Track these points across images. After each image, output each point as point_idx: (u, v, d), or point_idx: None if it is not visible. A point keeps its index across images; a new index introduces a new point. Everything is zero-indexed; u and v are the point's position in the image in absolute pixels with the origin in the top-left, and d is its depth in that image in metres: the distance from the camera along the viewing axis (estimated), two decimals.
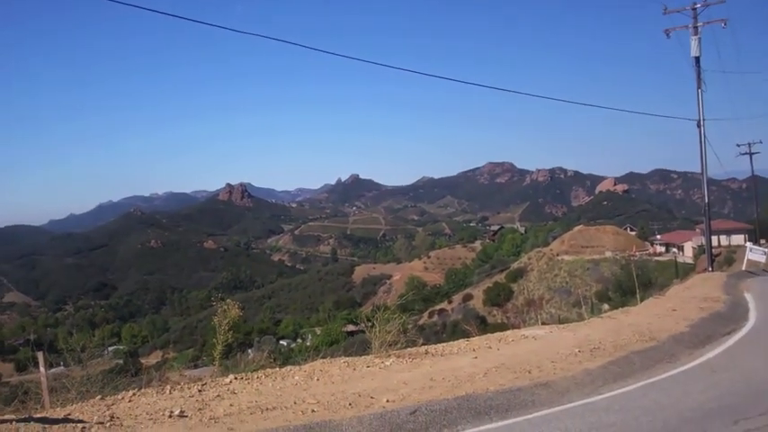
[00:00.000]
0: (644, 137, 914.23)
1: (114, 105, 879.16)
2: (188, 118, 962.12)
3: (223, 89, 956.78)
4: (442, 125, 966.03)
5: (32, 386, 11.17)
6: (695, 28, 32.44)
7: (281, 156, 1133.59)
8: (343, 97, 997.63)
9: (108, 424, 8.62)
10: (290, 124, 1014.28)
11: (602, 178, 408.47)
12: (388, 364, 12.63)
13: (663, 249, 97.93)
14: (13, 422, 8.11)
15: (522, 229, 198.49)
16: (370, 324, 14.76)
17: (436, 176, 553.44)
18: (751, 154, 67.36)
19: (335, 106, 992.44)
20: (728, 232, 78.43)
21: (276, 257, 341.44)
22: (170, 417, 9.01)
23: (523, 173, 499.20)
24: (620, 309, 22.64)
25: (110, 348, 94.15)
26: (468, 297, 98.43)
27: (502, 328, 31.74)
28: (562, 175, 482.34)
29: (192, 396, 10.25)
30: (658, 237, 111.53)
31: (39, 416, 8.77)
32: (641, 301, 23.99)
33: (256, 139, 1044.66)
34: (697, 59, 32.97)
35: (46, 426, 8.12)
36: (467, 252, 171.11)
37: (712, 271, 33.84)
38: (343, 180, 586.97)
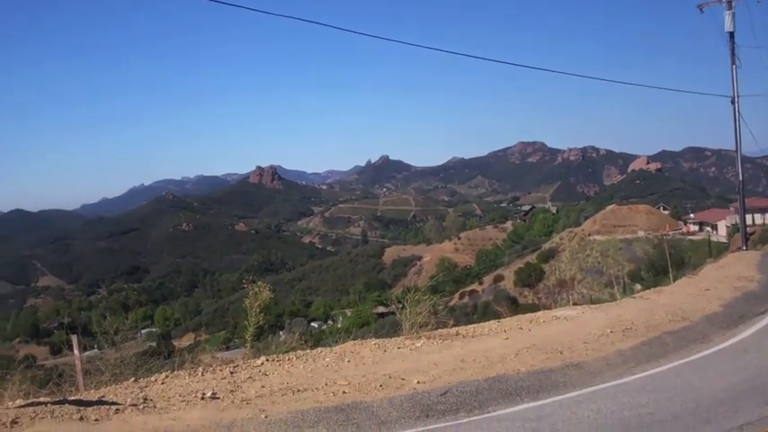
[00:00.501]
0: (677, 114, 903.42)
1: (145, 87, 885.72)
2: (218, 100, 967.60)
3: (253, 71, 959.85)
4: (472, 105, 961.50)
5: (67, 369, 11.37)
6: (729, 3, 31.77)
7: (312, 138, 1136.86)
8: (374, 79, 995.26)
9: (141, 406, 8.75)
10: (320, 106, 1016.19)
11: (634, 157, 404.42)
12: (418, 345, 12.67)
13: (696, 228, 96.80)
14: (48, 404, 8.26)
15: (553, 209, 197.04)
16: (400, 306, 14.78)
17: (467, 157, 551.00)
18: None
19: (366, 88, 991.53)
20: (763, 211, 77.06)
21: (307, 239, 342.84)
22: (202, 399, 9.12)
23: (555, 152, 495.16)
24: (653, 289, 22.44)
25: (143, 331, 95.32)
26: (499, 278, 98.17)
27: (533, 308, 31.64)
28: (594, 154, 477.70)
29: (224, 378, 10.37)
30: (691, 215, 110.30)
31: (73, 398, 8.92)
32: (674, 280, 23.76)
33: (287, 121, 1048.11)
34: (731, 35, 32.32)
35: (80, 408, 8.27)
36: (498, 233, 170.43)
37: (746, 250, 33.35)
38: (373, 161, 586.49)
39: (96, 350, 17.70)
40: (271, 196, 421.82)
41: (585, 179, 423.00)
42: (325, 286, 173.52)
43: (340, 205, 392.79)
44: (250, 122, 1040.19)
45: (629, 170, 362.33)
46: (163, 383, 10.09)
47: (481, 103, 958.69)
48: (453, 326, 16.20)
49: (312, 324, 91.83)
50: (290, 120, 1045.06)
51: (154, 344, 68.46)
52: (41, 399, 8.70)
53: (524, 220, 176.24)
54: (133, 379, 10.40)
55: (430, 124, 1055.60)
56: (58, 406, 8.24)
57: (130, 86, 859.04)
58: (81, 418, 7.94)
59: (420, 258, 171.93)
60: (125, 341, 12.57)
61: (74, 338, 10.48)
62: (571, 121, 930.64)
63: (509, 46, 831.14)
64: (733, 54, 32.44)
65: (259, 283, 13.63)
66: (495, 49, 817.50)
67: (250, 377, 10.43)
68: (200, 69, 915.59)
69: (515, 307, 50.31)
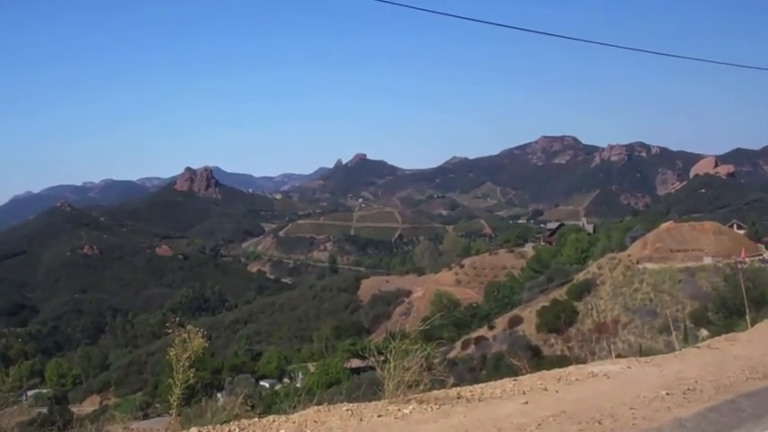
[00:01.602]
0: (757, 102, 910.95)
1: (32, 67, 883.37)
2: (134, 83, 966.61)
3: (180, 44, 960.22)
4: (479, 88, 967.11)
5: None
6: None
7: (262, 130, 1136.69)
8: (345, 53, 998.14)
9: None
10: (272, 89, 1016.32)
11: (698, 157, 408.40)
12: (406, 412, 12.64)
13: None
14: None
15: (589, 228, 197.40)
16: (382, 358, 14.74)
17: (471, 156, 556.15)
18: None
19: (335, 64, 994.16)
20: None
21: (254, 267, 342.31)
22: None
23: (590, 150, 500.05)
24: (724, 336, 22.56)
25: (29, 393, 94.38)
26: (517, 320, 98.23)
27: (562, 362, 31.75)
28: (643, 153, 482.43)
29: None
30: None
31: None
32: (753, 324, 23.91)
33: (227, 109, 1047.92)
34: None
35: None
36: (514, 259, 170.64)
37: None
38: (345, 162, 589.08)
39: None
40: (205, 209, 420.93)
41: (632, 187, 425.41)
42: (280, 331, 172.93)
43: (300, 221, 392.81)
44: (177, 110, 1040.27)
45: (691, 175, 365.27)
46: None
47: (492, 85, 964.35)
48: (454, 385, 16.20)
49: (262, 383, 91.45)
50: (231, 107, 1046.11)
51: (44, 410, 67.84)
52: None
53: (550, 243, 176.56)
54: None
55: (423, 113, 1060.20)
56: None
57: (13, 66, 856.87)
58: None
59: (409, 293, 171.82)
60: (4, 406, 12.45)
61: None
62: (612, 110, 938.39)
63: (527, 10, 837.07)
64: None
65: (189, 326, 13.54)
66: (511, 13, 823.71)
67: None
68: (107, 44, 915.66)
69: (538, 360, 50.31)
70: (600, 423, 11.52)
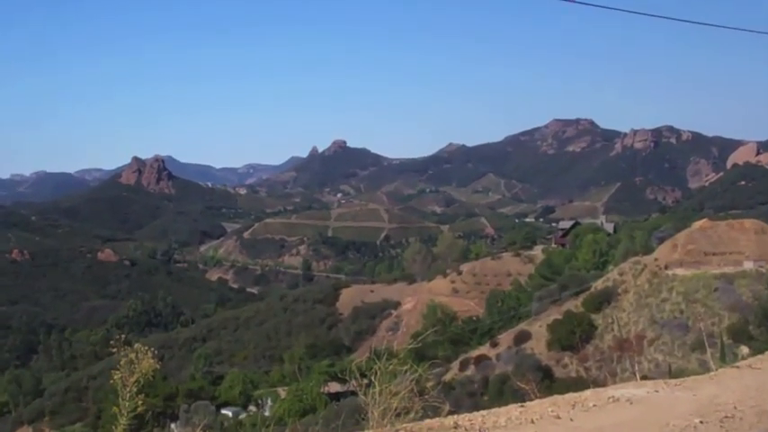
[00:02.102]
0: None
1: None
2: (70, 60, 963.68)
3: (124, 15, 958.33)
4: (479, 64, 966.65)
5: None
6: None
7: (222, 115, 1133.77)
8: (321, 23, 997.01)
9: None
10: (234, 66, 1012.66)
11: (736, 143, 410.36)
12: None
13: None
14: None
15: (609, 227, 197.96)
16: (365, 381, 14.78)
17: (470, 143, 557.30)
18: None
19: (307, 37, 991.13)
20: None
21: (214, 275, 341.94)
22: None
23: (610, 136, 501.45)
24: None
25: None
26: (524, 336, 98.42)
27: (577, 385, 31.88)
28: (673, 140, 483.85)
29: None
30: None
31: None
32: None
33: (181, 89, 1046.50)
34: None
35: None
36: (520, 264, 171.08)
37: None
38: (321, 151, 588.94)
39: None
40: (156, 206, 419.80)
41: (660, 178, 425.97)
42: (245, 350, 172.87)
43: (268, 220, 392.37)
44: (122, 92, 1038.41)
45: (729, 165, 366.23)
46: None
47: (493, 59, 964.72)
48: (450, 413, 16.25)
49: (223, 411, 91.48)
50: (186, 87, 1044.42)
51: None
52: None
53: (563, 245, 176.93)
54: None
55: (412, 92, 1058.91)
56: None
57: None
58: None
59: (397, 305, 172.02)
60: None
61: None
62: (636, 88, 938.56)
63: None
64: None
65: (137, 345, 13.53)
66: None
67: None
68: (38, 18, 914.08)
69: (549, 383, 50.42)
70: None
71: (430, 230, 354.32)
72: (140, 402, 13.15)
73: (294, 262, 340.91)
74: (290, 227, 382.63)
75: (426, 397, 15.88)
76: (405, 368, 14.57)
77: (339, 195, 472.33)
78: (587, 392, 17.89)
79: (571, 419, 14.27)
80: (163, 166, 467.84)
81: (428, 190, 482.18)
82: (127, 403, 13.03)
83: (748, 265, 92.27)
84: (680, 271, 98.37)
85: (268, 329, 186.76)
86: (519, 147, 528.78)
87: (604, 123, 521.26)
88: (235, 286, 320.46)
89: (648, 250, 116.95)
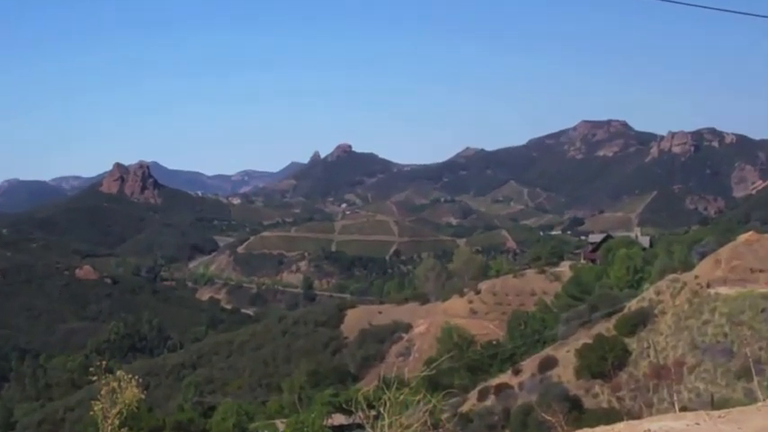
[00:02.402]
0: None
1: None
2: (45, 56, 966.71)
3: (108, 9, 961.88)
4: (500, 59, 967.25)
5: None
6: None
7: (214, 116, 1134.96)
8: (324, 15, 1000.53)
9: None
10: (227, 61, 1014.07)
11: None
12: None
13: None
14: None
15: (644, 241, 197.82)
16: (373, 413, 14.71)
17: (489, 147, 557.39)
18: None
19: (309, 30, 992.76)
20: None
21: (205, 294, 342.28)
22: None
23: (645, 139, 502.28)
24: None
25: None
26: (550, 363, 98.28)
27: (609, 417, 31.79)
28: (715, 143, 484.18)
29: None
30: None
31: None
32: None
33: (168, 87, 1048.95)
34: None
35: None
36: (545, 282, 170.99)
37: None
38: (324, 156, 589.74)
39: None
40: (141, 217, 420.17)
41: (701, 186, 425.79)
42: (239, 378, 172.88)
43: (265, 233, 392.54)
44: (103, 91, 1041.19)
45: None
46: None
47: (514, 54, 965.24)
48: None
49: None
50: (174, 85, 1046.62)
51: None
52: None
53: (593, 260, 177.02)
54: None
55: (425, 91, 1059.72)
56: None
57: None
58: None
59: (408, 328, 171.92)
60: None
61: None
62: (674, 86, 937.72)
63: None
64: None
65: (120, 372, 13.48)
66: None
67: None
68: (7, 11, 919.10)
69: (578, 414, 50.25)
70: None
71: (445, 244, 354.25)
72: None
73: (294, 280, 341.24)
74: (289, 241, 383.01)
75: (441, 430, 15.81)
76: (417, 398, 14.52)
77: (344, 206, 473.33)
78: (620, 425, 17.79)
79: None
80: (148, 174, 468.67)
81: (443, 199, 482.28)
82: None
83: None
84: (723, 290, 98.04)
85: (265, 355, 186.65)
86: (544, 151, 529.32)
87: (639, 125, 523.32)
88: (228, 307, 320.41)
89: (688, 267, 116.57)
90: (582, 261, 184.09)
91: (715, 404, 30.16)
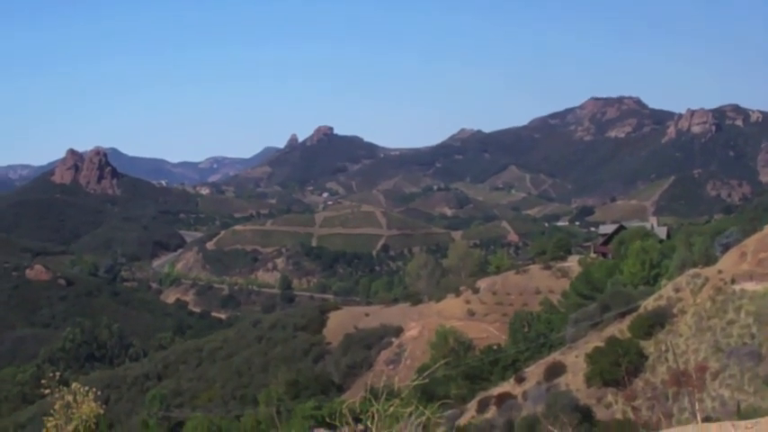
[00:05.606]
0: None
1: None
2: None
3: None
4: (497, 30, 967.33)
5: None
6: None
7: (178, 98, 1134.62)
8: None
9: None
10: (192, 36, 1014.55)
11: None
12: None
13: None
14: None
15: (661, 232, 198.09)
16: (360, 427, 14.77)
17: (487, 129, 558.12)
18: None
19: (286, 6, 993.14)
20: None
21: (171, 296, 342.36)
22: None
23: (661, 118, 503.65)
24: None
25: None
26: (557, 369, 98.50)
27: (623, 429, 31.99)
28: (739, 122, 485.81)
29: None
30: None
31: None
32: None
33: (126, 67, 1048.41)
34: None
35: None
36: (551, 279, 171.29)
37: None
38: (302, 140, 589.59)
39: None
40: (98, 210, 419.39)
41: (723, 170, 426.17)
42: (210, 390, 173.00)
43: (237, 227, 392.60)
44: (53, 72, 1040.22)
45: None
46: None
47: (515, 23, 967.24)
48: None
49: None
50: (132, 64, 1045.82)
51: None
52: None
53: (604, 254, 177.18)
54: None
55: (414, 67, 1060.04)
56: None
57: None
58: None
59: (399, 332, 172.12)
60: None
61: None
62: (693, 59, 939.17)
63: None
64: None
65: (75, 384, 13.50)
66: None
67: None
68: None
69: (589, 426, 50.40)
70: None
71: (438, 238, 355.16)
72: None
73: (270, 279, 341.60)
74: (264, 235, 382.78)
75: None
76: (409, 410, 14.56)
77: (325, 195, 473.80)
78: None
79: None
80: (105, 161, 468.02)
81: (435, 187, 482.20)
82: None
83: None
84: (750, 286, 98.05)
85: (239, 364, 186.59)
86: (548, 132, 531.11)
87: (654, 102, 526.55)
88: (197, 310, 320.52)
89: (710, 260, 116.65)
90: (592, 255, 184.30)
91: (741, 413, 30.25)
